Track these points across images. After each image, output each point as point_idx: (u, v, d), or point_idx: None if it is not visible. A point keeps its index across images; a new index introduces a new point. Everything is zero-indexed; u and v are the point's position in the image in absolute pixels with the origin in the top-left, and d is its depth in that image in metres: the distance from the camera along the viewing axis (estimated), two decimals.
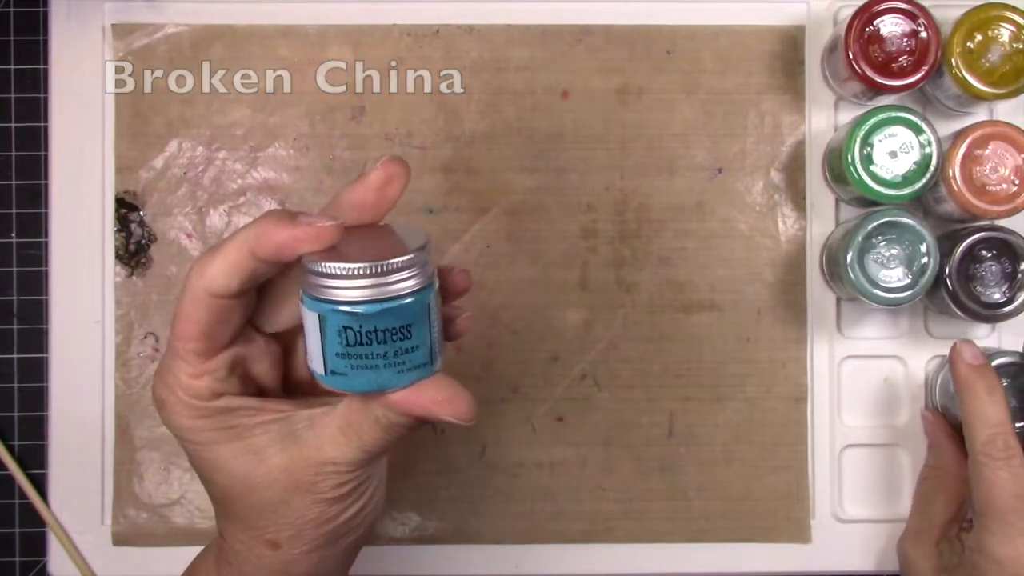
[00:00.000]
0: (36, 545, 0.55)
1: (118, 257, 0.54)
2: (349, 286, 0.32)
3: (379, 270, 0.32)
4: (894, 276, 0.50)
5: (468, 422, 0.35)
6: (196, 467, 0.38)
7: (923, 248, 0.50)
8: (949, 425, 0.53)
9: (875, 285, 0.50)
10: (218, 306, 0.34)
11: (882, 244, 0.50)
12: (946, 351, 0.55)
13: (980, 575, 0.47)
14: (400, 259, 0.32)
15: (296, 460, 0.36)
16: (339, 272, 0.32)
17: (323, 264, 0.32)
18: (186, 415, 0.36)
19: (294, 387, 0.40)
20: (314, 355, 0.34)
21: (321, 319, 0.33)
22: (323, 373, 0.34)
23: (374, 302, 0.32)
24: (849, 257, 0.50)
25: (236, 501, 0.37)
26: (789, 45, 0.55)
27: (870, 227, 0.50)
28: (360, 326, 0.32)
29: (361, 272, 0.32)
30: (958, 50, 0.50)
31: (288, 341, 0.39)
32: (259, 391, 0.38)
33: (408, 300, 0.33)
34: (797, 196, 0.55)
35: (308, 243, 0.33)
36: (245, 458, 0.36)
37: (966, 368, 0.48)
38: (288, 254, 0.33)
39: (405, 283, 0.32)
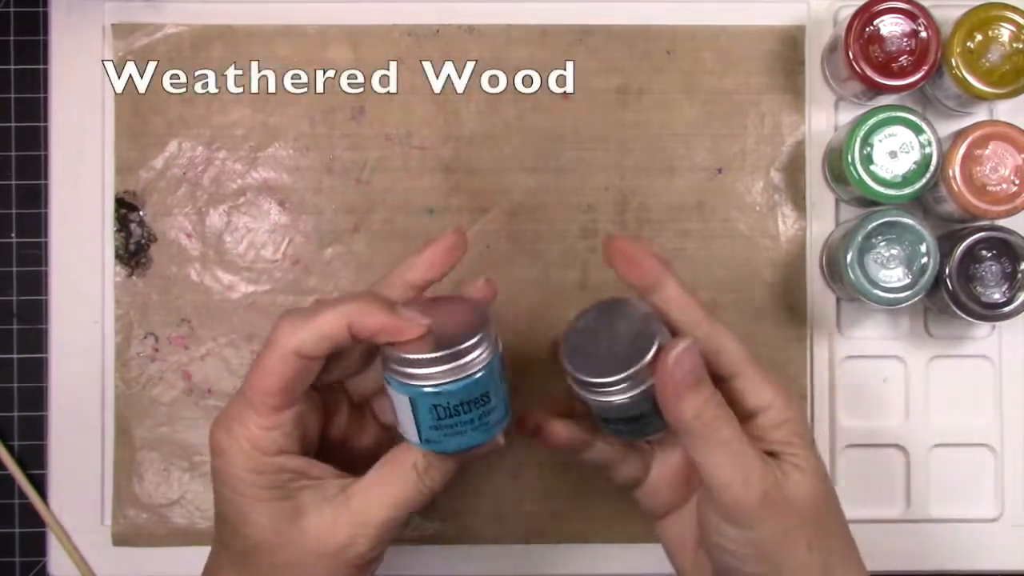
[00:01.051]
0: (36, 545, 0.55)
1: (118, 257, 0.54)
2: (433, 371, 0.37)
3: (457, 355, 0.37)
4: (894, 276, 0.50)
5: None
6: (226, 515, 0.38)
7: (923, 248, 0.50)
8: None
9: (875, 285, 0.50)
10: (302, 366, 0.37)
11: (882, 244, 0.50)
12: (946, 351, 0.55)
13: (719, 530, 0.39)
14: (474, 340, 0.37)
15: (334, 522, 0.37)
16: (424, 360, 0.37)
17: (410, 355, 0.37)
18: (243, 466, 0.37)
19: (329, 443, 0.42)
20: (407, 428, 0.38)
21: (412, 401, 0.37)
22: (418, 442, 0.38)
23: (457, 381, 0.37)
24: (849, 257, 0.50)
25: (261, 557, 0.37)
26: (789, 45, 0.55)
27: (870, 227, 0.50)
28: (448, 402, 0.37)
29: (442, 359, 0.36)
30: (958, 50, 0.50)
31: (329, 397, 0.41)
32: (306, 448, 0.40)
33: (483, 373, 0.37)
34: (797, 196, 0.55)
35: (404, 335, 0.37)
36: (283, 516, 0.37)
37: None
38: (383, 339, 0.37)
39: (479, 357, 0.37)
